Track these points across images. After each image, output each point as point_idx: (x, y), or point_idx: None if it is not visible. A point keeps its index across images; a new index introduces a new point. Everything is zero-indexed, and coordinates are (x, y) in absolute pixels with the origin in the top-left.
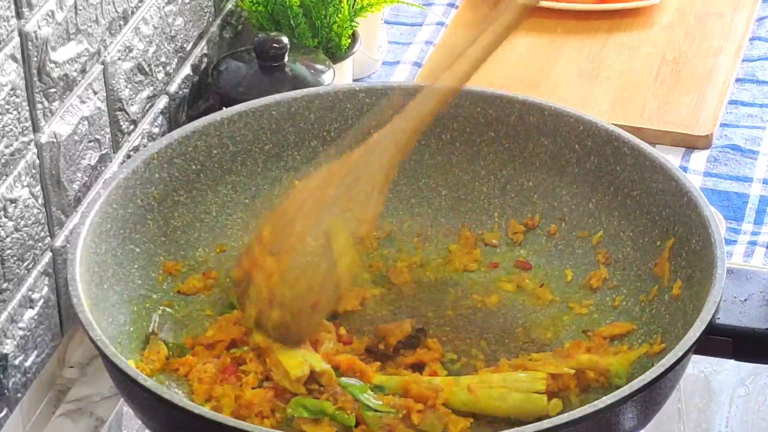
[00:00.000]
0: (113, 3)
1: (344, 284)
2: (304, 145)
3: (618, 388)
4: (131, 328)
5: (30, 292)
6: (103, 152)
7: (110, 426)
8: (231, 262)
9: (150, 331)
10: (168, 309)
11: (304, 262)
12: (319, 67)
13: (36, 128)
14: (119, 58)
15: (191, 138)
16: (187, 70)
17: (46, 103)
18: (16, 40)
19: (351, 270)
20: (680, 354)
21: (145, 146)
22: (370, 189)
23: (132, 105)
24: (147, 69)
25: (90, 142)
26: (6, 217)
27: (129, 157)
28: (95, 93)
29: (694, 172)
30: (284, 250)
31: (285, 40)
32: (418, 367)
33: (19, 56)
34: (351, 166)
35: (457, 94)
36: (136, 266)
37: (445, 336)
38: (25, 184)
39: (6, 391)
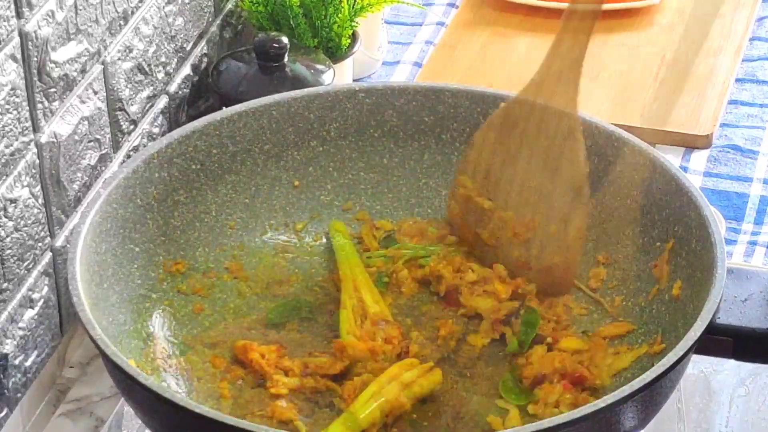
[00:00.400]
0: (113, 3)
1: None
2: (304, 145)
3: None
4: (131, 328)
5: (30, 292)
6: (103, 152)
7: (110, 426)
8: (230, 262)
9: (150, 330)
10: (168, 308)
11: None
12: (319, 67)
13: (36, 128)
14: (119, 58)
15: (191, 138)
16: (187, 70)
17: (46, 103)
18: (16, 40)
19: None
20: (680, 354)
21: (145, 146)
22: (563, 136)
23: (132, 105)
24: (147, 69)
25: (90, 142)
26: (6, 217)
27: (129, 157)
28: (95, 93)
29: (694, 172)
30: (504, 192)
31: (285, 40)
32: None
33: (19, 56)
34: (528, 110)
35: None
36: (136, 266)
37: None
38: (25, 184)
39: (6, 391)
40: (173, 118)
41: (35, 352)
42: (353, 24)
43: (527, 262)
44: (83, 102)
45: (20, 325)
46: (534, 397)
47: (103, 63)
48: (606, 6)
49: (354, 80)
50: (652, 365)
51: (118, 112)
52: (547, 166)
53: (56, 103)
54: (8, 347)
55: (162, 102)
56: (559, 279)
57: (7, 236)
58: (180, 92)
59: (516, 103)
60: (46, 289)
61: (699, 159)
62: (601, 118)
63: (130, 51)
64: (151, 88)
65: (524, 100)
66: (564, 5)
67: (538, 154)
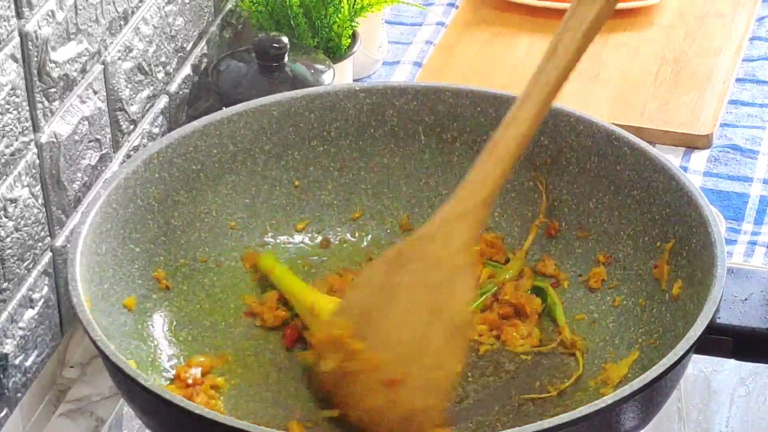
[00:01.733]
0: (113, 3)
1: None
2: (305, 145)
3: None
4: (131, 328)
5: (30, 292)
6: (103, 152)
7: (110, 426)
8: (231, 262)
9: (150, 331)
10: (168, 309)
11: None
12: (319, 67)
13: (36, 128)
14: (119, 58)
15: (191, 138)
16: (187, 70)
17: (46, 103)
18: (16, 40)
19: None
20: (681, 354)
21: (145, 146)
22: (453, 272)
23: (132, 105)
24: (147, 69)
25: (90, 142)
26: (6, 217)
27: (129, 157)
28: (95, 93)
29: (694, 172)
30: (381, 333)
31: (285, 40)
32: None
33: (19, 56)
34: (423, 247)
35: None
36: (136, 266)
37: None
38: (25, 184)
39: (6, 391)
40: (173, 118)
41: (35, 352)
42: (353, 24)
43: (388, 408)
44: (83, 102)
45: (20, 325)
46: None
47: (103, 63)
48: None
49: (354, 80)
50: (653, 365)
51: (118, 112)
52: (428, 309)
53: (56, 103)
54: (8, 347)
55: (162, 102)
56: (419, 424)
57: (7, 236)
58: (180, 92)
59: (409, 244)
60: (46, 289)
61: (699, 159)
62: (601, 118)
63: (130, 51)
64: (151, 88)
65: (418, 240)
66: (564, 5)
67: (420, 296)
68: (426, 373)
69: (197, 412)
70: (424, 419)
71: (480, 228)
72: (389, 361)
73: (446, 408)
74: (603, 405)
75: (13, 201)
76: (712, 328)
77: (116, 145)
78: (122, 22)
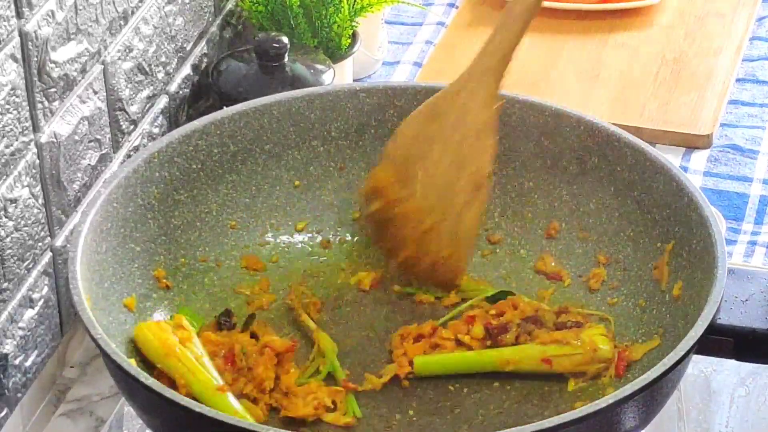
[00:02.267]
0: (113, 3)
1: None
2: (305, 144)
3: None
4: (132, 327)
5: (30, 292)
6: (103, 152)
7: (110, 426)
8: (231, 262)
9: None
10: (169, 308)
11: (440, 186)
12: (319, 67)
13: (36, 128)
14: (119, 58)
15: (192, 137)
16: (187, 70)
17: (46, 103)
18: (16, 40)
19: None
20: (681, 354)
21: (145, 146)
22: (476, 128)
23: (132, 105)
24: (147, 69)
25: (90, 142)
26: (6, 217)
27: (129, 157)
28: (95, 93)
29: (694, 172)
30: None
31: (285, 40)
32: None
33: (19, 56)
34: (452, 100)
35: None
36: (136, 265)
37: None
38: (25, 184)
39: (6, 391)
40: (173, 118)
41: (35, 352)
42: (353, 24)
43: (418, 257)
44: (83, 102)
45: (20, 325)
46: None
47: (103, 63)
48: (606, 6)
49: (354, 80)
50: (653, 365)
51: (118, 112)
52: (455, 161)
53: (56, 103)
54: (8, 347)
55: (162, 102)
56: (446, 273)
57: (7, 236)
58: (180, 92)
59: (442, 96)
60: (46, 289)
61: (699, 159)
62: (601, 118)
63: (130, 51)
64: (151, 88)
65: (449, 92)
66: (564, 5)
67: (450, 148)
68: (451, 224)
69: (198, 410)
70: (451, 268)
71: (500, 83)
72: (423, 209)
73: (468, 257)
74: (603, 405)
75: (13, 201)
76: (713, 329)
77: (116, 145)
78: (122, 22)
